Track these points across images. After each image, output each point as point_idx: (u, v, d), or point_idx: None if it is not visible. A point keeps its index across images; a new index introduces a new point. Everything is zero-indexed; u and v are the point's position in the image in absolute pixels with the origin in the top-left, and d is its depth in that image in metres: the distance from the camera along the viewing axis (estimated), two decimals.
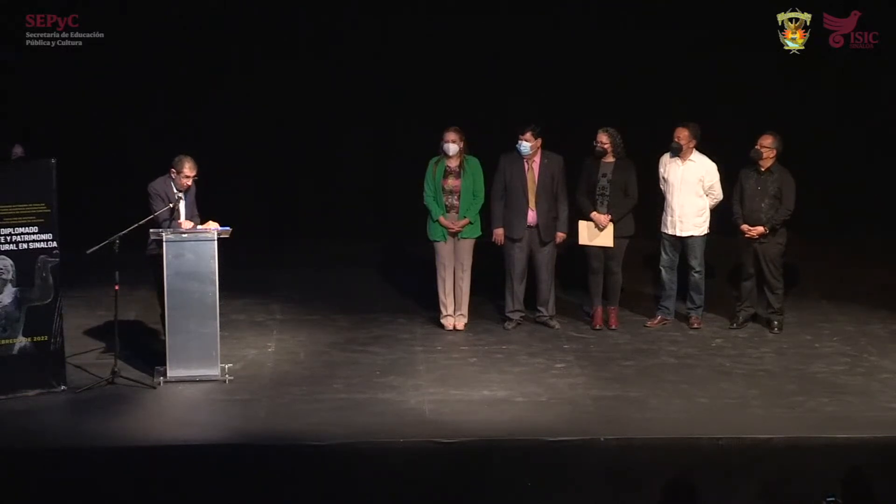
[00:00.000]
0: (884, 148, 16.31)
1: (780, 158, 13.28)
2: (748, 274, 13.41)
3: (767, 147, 13.21)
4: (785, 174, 13.26)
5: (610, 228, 13.28)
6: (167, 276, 11.89)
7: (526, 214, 13.27)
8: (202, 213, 12.32)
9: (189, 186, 12.22)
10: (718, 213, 13.54)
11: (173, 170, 12.20)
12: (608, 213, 13.29)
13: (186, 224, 12.10)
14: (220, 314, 12.04)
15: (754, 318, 13.57)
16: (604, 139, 13.28)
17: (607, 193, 13.30)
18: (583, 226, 13.37)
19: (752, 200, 13.23)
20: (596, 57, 16.02)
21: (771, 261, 13.28)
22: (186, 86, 15.89)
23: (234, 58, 15.97)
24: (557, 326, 13.46)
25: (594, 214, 13.31)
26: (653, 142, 13.89)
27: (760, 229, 13.20)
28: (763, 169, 13.23)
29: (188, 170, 12.16)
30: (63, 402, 11.59)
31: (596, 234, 13.33)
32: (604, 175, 13.32)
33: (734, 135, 14.43)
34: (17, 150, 14.16)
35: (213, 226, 12.04)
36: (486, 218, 13.41)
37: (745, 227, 13.25)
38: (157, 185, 12.23)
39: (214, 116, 15.96)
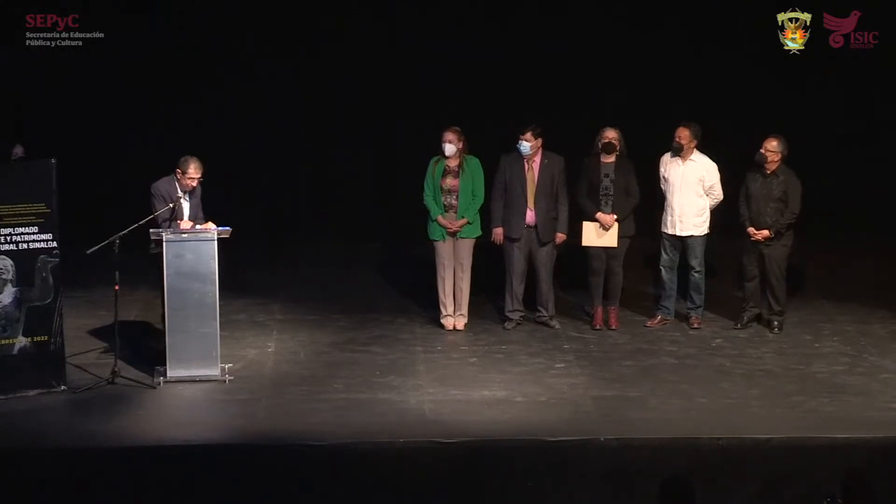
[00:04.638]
0: (884, 148, 16.32)
1: (785, 160, 13.26)
2: (752, 275, 13.40)
3: (773, 150, 13.17)
4: (791, 177, 13.23)
5: (615, 228, 13.28)
6: (167, 276, 11.89)
7: (524, 214, 13.27)
8: (205, 213, 12.32)
9: (194, 187, 12.22)
10: (720, 214, 13.54)
11: (178, 170, 12.20)
12: (613, 212, 13.29)
13: (185, 224, 12.10)
14: (220, 314, 12.03)
15: (758, 318, 13.57)
16: (613, 135, 13.25)
17: (611, 193, 13.29)
18: (588, 227, 13.33)
19: (758, 203, 13.20)
20: (596, 57, 16.03)
21: (776, 263, 13.26)
22: (186, 85, 15.88)
23: (235, 57, 15.97)
24: (557, 326, 13.46)
25: (600, 215, 13.29)
26: (652, 142, 13.89)
27: (766, 233, 13.18)
28: (769, 172, 13.22)
29: (193, 171, 12.16)
30: (63, 402, 11.59)
31: (601, 234, 13.32)
32: (606, 175, 13.31)
33: (734, 135, 14.43)
34: (17, 150, 14.16)
35: (210, 226, 12.05)
36: (487, 218, 13.42)
37: (751, 229, 13.23)
38: (160, 186, 12.23)
39: (214, 116, 15.96)
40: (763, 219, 13.22)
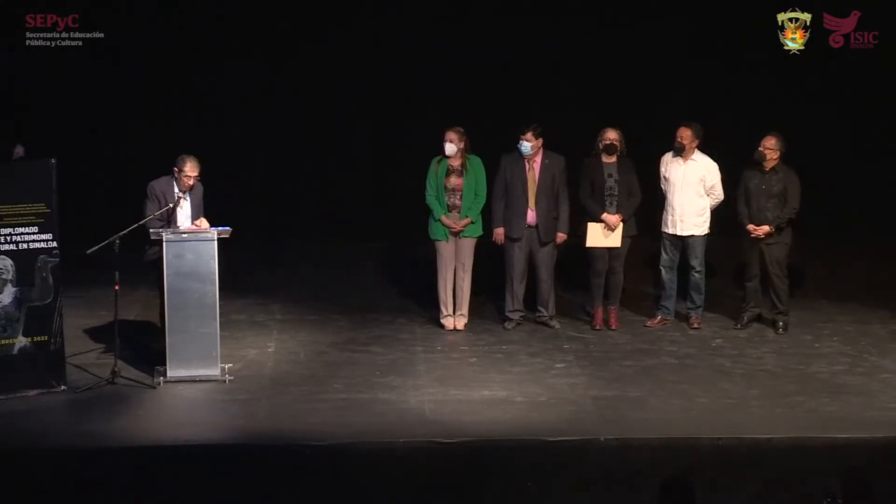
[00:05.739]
0: (884, 148, 16.32)
1: (783, 158, 13.27)
2: (752, 274, 13.40)
3: (771, 148, 13.19)
4: (790, 174, 13.25)
5: (619, 229, 13.28)
6: (167, 276, 11.89)
7: (525, 214, 13.26)
8: (206, 213, 12.31)
9: (191, 186, 12.21)
10: (720, 214, 13.53)
11: (175, 168, 12.21)
12: (618, 213, 13.28)
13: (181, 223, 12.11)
14: (220, 314, 12.03)
15: (759, 318, 13.57)
16: (614, 136, 13.26)
17: (616, 194, 13.29)
18: (593, 228, 13.32)
19: (758, 200, 13.22)
20: (596, 56, 16.03)
21: (777, 261, 13.27)
22: (187, 85, 15.88)
23: (234, 57, 15.97)
24: (557, 326, 13.46)
25: (606, 216, 13.28)
26: (653, 142, 13.89)
27: (766, 228, 13.19)
28: (767, 169, 13.22)
29: (189, 169, 12.16)
30: (63, 402, 11.59)
31: (607, 235, 13.31)
32: (610, 175, 13.31)
33: (734, 135, 14.44)
34: (18, 150, 14.17)
35: (203, 223, 12.05)
36: (488, 217, 13.41)
37: (751, 226, 13.24)
38: (155, 185, 12.22)
39: (215, 116, 15.96)
40: (763, 215, 13.22)
